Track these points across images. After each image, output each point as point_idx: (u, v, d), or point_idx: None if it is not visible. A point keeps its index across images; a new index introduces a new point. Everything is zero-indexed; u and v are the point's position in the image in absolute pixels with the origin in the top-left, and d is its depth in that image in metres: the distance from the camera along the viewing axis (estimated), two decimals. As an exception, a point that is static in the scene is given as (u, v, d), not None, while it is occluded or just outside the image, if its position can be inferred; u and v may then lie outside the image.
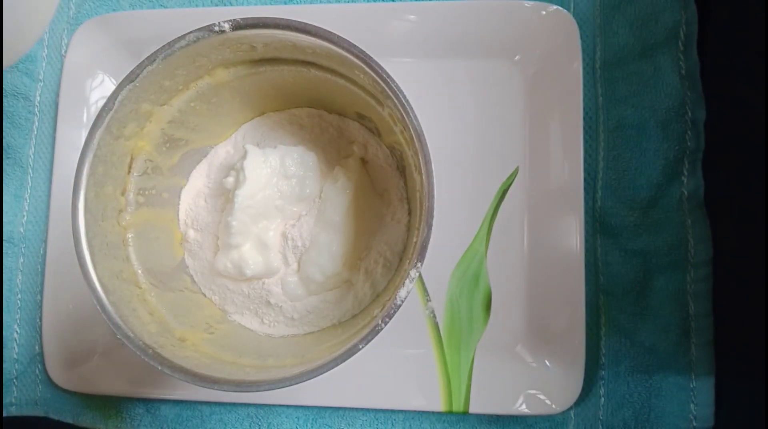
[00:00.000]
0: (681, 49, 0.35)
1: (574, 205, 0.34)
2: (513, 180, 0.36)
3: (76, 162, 0.28)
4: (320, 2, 0.38)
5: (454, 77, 0.36)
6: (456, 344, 0.35)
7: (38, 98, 0.38)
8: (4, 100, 0.38)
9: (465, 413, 0.34)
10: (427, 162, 0.26)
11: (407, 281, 0.26)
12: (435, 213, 0.26)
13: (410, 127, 0.26)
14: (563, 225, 0.34)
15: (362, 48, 0.27)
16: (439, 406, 0.34)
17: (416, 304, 0.35)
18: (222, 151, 0.36)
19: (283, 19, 0.27)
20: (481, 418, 0.35)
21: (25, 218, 0.38)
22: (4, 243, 0.37)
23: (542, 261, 0.35)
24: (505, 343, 0.35)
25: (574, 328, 0.33)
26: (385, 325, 0.25)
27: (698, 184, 0.35)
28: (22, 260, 0.38)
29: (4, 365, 0.37)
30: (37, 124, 0.38)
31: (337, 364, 0.25)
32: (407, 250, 0.32)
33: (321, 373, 0.25)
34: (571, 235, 0.34)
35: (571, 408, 0.34)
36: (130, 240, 0.31)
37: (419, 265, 0.26)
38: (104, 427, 0.36)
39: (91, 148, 0.28)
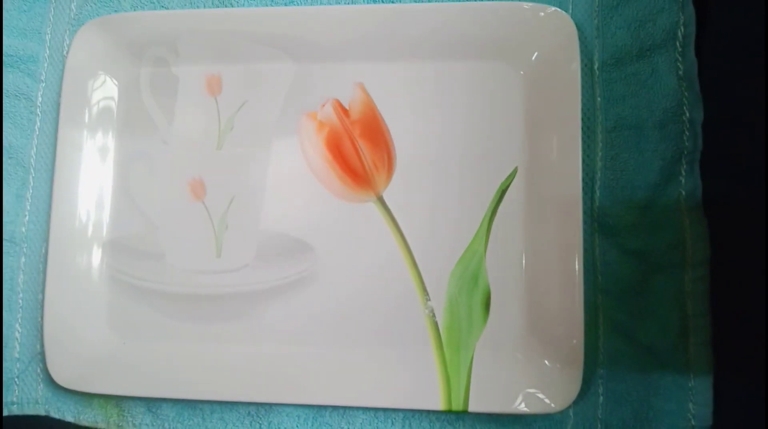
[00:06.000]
0: (679, 50, 0.35)
1: (573, 205, 0.34)
2: (512, 180, 0.36)
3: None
4: (320, 3, 0.38)
5: (453, 79, 0.37)
6: (455, 343, 0.35)
7: (40, 99, 0.39)
8: (7, 100, 0.38)
9: (464, 412, 0.34)
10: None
11: None
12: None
13: None
14: (562, 225, 0.34)
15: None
16: (439, 404, 0.34)
17: (415, 303, 0.35)
18: None
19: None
20: (480, 416, 0.35)
21: (27, 218, 0.38)
22: (5, 243, 0.37)
23: (541, 260, 0.35)
24: (504, 342, 0.35)
25: (573, 327, 0.33)
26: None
27: (696, 184, 0.35)
28: (23, 260, 0.38)
29: (5, 364, 0.37)
30: (39, 124, 0.38)
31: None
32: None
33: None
34: (569, 234, 0.34)
35: (570, 407, 0.34)
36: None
37: None
38: (105, 425, 0.36)
39: None
